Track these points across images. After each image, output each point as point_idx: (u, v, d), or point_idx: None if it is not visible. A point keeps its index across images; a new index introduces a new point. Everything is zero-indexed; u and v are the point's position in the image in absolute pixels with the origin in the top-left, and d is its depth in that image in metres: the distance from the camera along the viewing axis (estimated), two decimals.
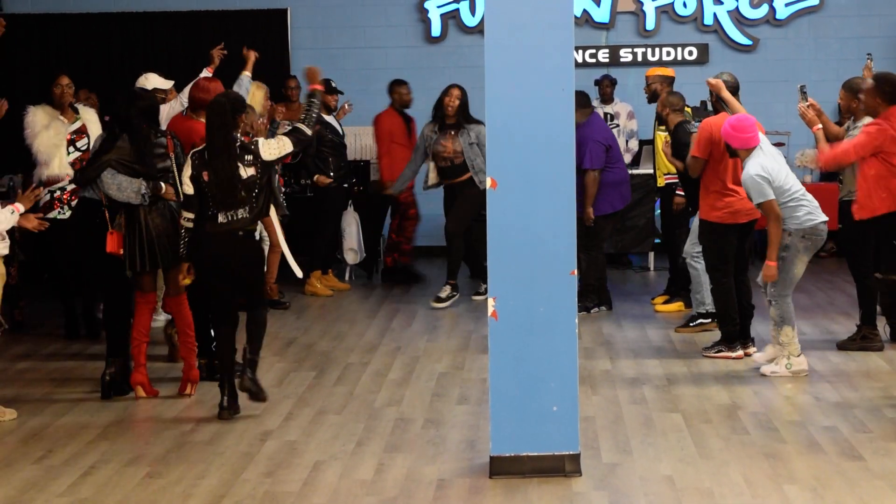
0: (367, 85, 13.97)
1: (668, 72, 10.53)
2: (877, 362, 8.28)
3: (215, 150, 7.13)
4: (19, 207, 7.11)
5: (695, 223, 9.20)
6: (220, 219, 7.13)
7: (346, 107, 11.98)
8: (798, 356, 8.01)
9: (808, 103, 8.56)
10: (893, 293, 7.25)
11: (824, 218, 7.94)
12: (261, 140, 7.29)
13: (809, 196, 7.99)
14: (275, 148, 7.24)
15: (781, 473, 6.07)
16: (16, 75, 13.80)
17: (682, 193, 9.82)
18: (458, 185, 10.84)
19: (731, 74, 8.90)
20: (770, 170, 7.84)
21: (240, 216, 7.14)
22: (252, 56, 9.97)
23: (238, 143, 7.16)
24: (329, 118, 11.45)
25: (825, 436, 6.69)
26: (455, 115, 10.69)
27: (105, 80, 13.01)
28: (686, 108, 9.90)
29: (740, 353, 8.44)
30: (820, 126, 8.55)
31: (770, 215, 7.83)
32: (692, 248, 9.20)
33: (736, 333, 8.44)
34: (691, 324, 9.43)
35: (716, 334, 8.87)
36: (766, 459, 6.30)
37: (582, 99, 10.49)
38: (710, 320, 9.29)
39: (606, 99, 13.32)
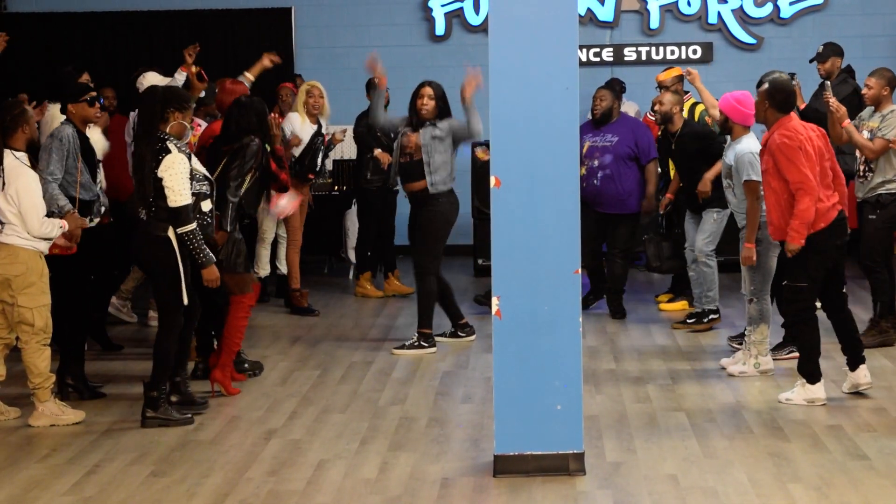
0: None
1: (679, 70, 10.54)
2: (881, 361, 8.26)
3: (138, 141, 7.15)
4: (65, 225, 7.13)
5: (706, 223, 9.18)
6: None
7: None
8: (766, 356, 8.05)
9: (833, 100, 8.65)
10: (797, 300, 7.30)
11: None
12: (172, 157, 6.96)
13: None
14: (167, 171, 6.91)
15: (786, 472, 6.07)
16: (19, 74, 13.79)
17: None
18: (418, 196, 8.98)
19: (782, 73, 8.84)
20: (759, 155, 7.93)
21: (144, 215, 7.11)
22: (266, 62, 9.77)
23: (160, 142, 7.02)
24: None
25: (830, 435, 6.68)
26: (433, 118, 8.96)
27: (108, 79, 13.00)
28: (700, 106, 9.90)
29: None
30: (849, 120, 8.64)
31: (751, 195, 7.89)
32: (706, 247, 9.20)
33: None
34: (704, 320, 9.42)
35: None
36: (771, 458, 6.29)
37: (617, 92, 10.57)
38: (717, 316, 9.39)
39: None
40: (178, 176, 6.93)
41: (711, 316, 9.43)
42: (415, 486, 5.96)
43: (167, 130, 7.07)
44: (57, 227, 7.08)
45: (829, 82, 9.34)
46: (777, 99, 7.34)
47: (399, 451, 6.53)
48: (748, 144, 7.97)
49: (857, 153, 8.86)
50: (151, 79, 9.44)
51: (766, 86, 7.43)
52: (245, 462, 6.39)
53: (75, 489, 6.02)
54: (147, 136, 7.07)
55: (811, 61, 10.21)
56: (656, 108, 9.59)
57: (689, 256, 9.49)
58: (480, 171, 11.97)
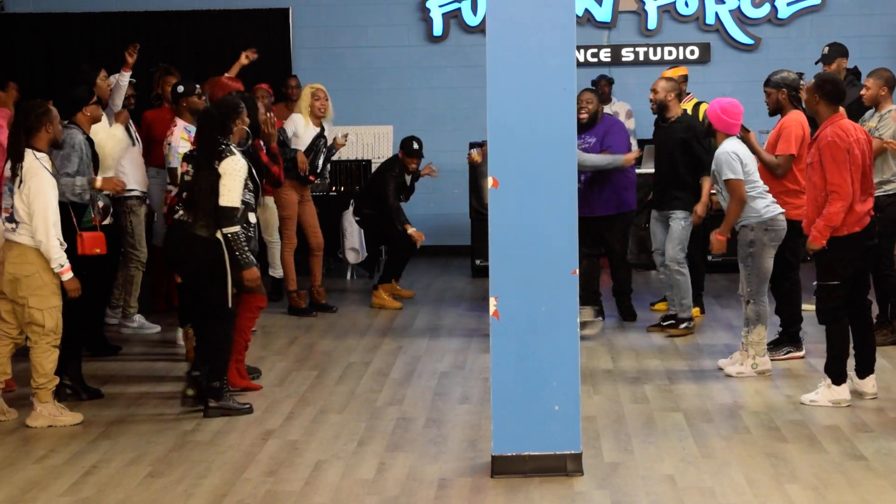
0: (369, 84, 13.98)
1: (684, 70, 10.49)
2: (880, 362, 8.22)
3: (199, 157, 7.25)
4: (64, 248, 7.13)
5: (674, 231, 9.14)
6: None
7: (431, 170, 11.51)
8: (763, 356, 8.04)
9: None
10: (830, 298, 7.33)
11: (782, 210, 7.99)
12: (236, 158, 7.13)
13: (769, 195, 8.05)
14: (228, 170, 7.07)
15: (783, 473, 6.07)
16: (18, 75, 13.79)
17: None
18: None
19: (790, 72, 8.83)
20: (743, 156, 7.97)
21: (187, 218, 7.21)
22: (243, 59, 9.91)
23: (223, 145, 7.17)
24: (408, 178, 11.18)
25: (827, 435, 6.69)
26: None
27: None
28: (704, 105, 9.89)
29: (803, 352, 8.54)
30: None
31: (734, 195, 7.93)
32: (678, 255, 9.18)
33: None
34: (680, 326, 9.37)
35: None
36: (768, 459, 6.29)
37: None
38: (692, 325, 9.39)
39: (604, 99, 13.29)
40: (237, 178, 7.10)
41: (687, 324, 9.40)
42: (412, 487, 5.96)
43: (232, 139, 7.26)
44: (63, 256, 7.04)
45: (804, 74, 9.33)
46: (826, 90, 7.28)
47: (396, 452, 6.53)
48: (727, 146, 7.99)
49: None
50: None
51: (813, 80, 7.43)
52: (242, 462, 6.39)
53: (73, 490, 6.02)
54: (209, 151, 7.16)
55: (816, 63, 10.20)
56: (651, 97, 9.54)
57: (657, 259, 9.46)
58: (477, 172, 11.97)
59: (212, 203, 7.10)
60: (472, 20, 14.12)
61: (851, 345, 7.46)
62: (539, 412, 5.99)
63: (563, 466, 6.03)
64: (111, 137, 8.67)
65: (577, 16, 13.59)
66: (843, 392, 7.25)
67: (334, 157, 11.95)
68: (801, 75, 8.93)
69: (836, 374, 7.27)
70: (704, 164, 8.92)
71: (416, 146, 11.03)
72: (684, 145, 9.23)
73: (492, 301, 5.98)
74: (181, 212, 7.23)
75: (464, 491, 5.90)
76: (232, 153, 7.17)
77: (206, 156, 7.19)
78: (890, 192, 8.67)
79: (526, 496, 5.79)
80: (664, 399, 7.55)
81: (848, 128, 7.22)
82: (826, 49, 10.17)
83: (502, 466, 6.03)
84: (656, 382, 7.96)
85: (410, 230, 10.82)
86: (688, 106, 10.02)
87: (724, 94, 12.49)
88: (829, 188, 7.12)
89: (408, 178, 11.18)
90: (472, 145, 12.20)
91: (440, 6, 14.14)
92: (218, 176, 7.10)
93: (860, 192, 7.20)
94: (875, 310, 9.02)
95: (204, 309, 7.31)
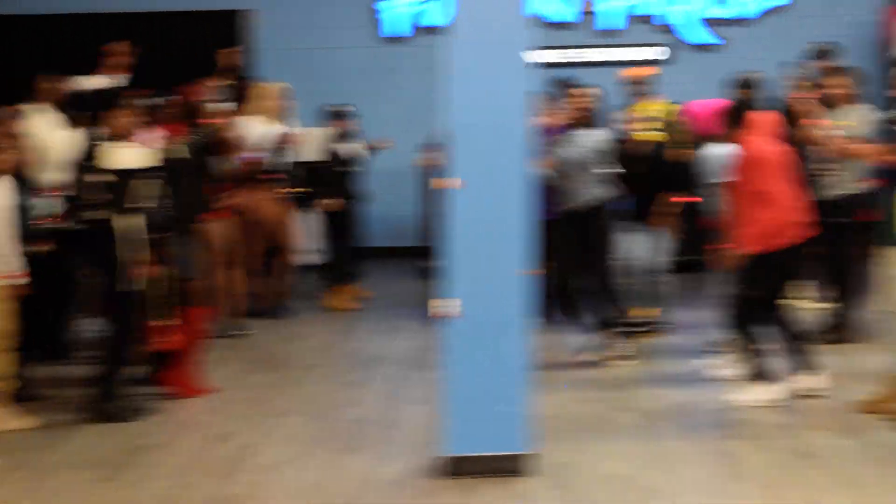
0: (330, 86, 13.93)
1: (651, 70, 10.45)
2: (833, 359, 8.27)
3: None
4: None
5: (660, 240, 9.12)
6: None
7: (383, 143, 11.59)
8: (727, 359, 8.05)
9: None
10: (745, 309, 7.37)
11: None
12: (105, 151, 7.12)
13: None
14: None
15: (736, 471, 6.08)
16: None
17: None
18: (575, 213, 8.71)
19: (755, 72, 8.84)
20: (724, 157, 7.97)
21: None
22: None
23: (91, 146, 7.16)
24: (346, 146, 11.08)
25: (779, 433, 6.72)
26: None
27: None
28: (674, 107, 9.89)
29: None
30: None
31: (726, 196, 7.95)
32: (662, 264, 9.17)
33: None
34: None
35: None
36: (720, 457, 6.31)
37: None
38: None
39: None
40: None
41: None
42: (366, 489, 5.94)
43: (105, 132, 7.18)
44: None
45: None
46: (731, 116, 7.39)
47: (350, 454, 6.50)
48: (712, 150, 8.05)
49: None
50: (93, 82, 9.53)
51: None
52: (194, 466, 6.35)
53: (20, 496, 5.95)
54: (85, 150, 7.16)
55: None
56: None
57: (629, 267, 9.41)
58: (426, 174, 11.94)
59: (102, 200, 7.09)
60: (433, 21, 14.09)
61: (781, 345, 7.52)
62: (492, 413, 5.98)
63: (517, 467, 6.02)
64: (53, 133, 8.56)
65: (539, 16, 13.59)
66: (773, 391, 7.29)
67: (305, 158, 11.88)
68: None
69: (761, 375, 7.33)
70: (672, 180, 8.85)
71: (340, 109, 11.04)
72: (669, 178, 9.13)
73: (444, 302, 5.96)
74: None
75: (417, 492, 5.89)
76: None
77: (83, 154, 7.19)
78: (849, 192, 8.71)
79: (479, 496, 5.78)
80: (618, 399, 7.55)
81: (757, 143, 7.25)
82: (822, 46, 10.17)
83: (456, 467, 6.03)
84: (610, 382, 7.96)
85: (325, 201, 10.81)
86: (659, 107, 9.99)
87: (689, 95, 12.55)
88: (754, 197, 7.14)
89: (344, 147, 11.00)
90: (424, 147, 12.18)
91: (400, 7, 14.11)
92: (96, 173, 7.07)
93: (791, 200, 7.21)
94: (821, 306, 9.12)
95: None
